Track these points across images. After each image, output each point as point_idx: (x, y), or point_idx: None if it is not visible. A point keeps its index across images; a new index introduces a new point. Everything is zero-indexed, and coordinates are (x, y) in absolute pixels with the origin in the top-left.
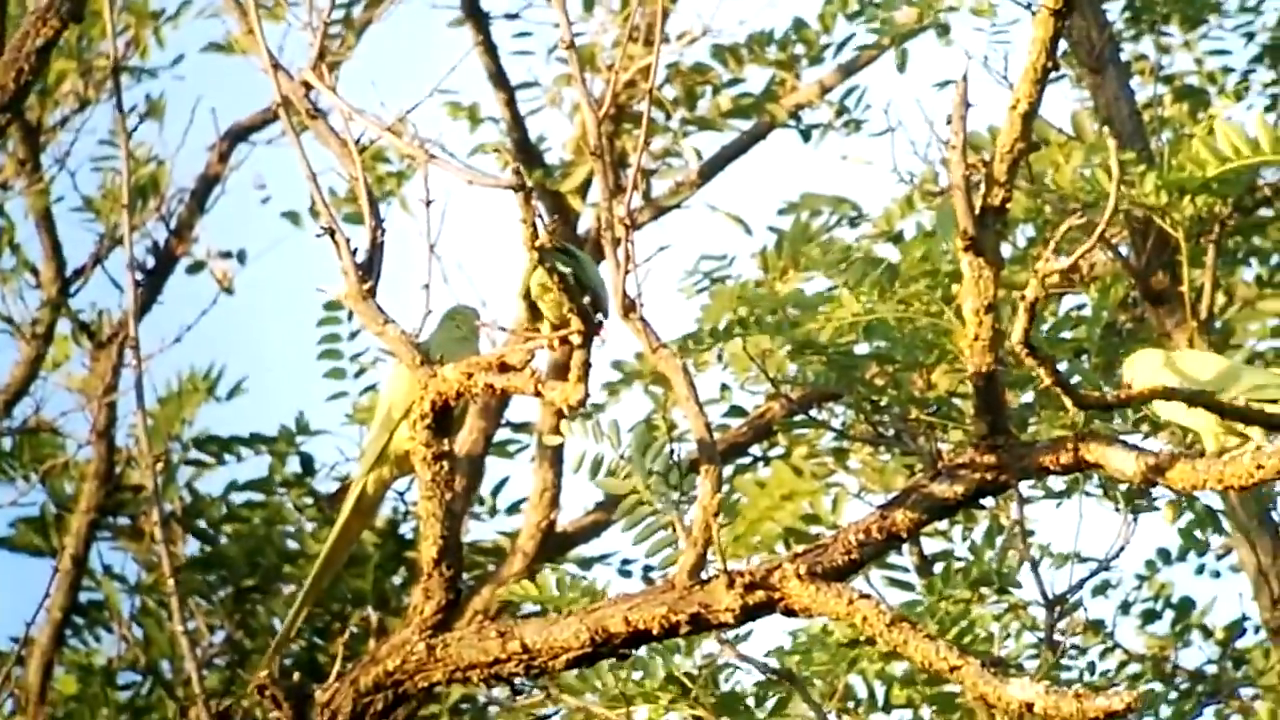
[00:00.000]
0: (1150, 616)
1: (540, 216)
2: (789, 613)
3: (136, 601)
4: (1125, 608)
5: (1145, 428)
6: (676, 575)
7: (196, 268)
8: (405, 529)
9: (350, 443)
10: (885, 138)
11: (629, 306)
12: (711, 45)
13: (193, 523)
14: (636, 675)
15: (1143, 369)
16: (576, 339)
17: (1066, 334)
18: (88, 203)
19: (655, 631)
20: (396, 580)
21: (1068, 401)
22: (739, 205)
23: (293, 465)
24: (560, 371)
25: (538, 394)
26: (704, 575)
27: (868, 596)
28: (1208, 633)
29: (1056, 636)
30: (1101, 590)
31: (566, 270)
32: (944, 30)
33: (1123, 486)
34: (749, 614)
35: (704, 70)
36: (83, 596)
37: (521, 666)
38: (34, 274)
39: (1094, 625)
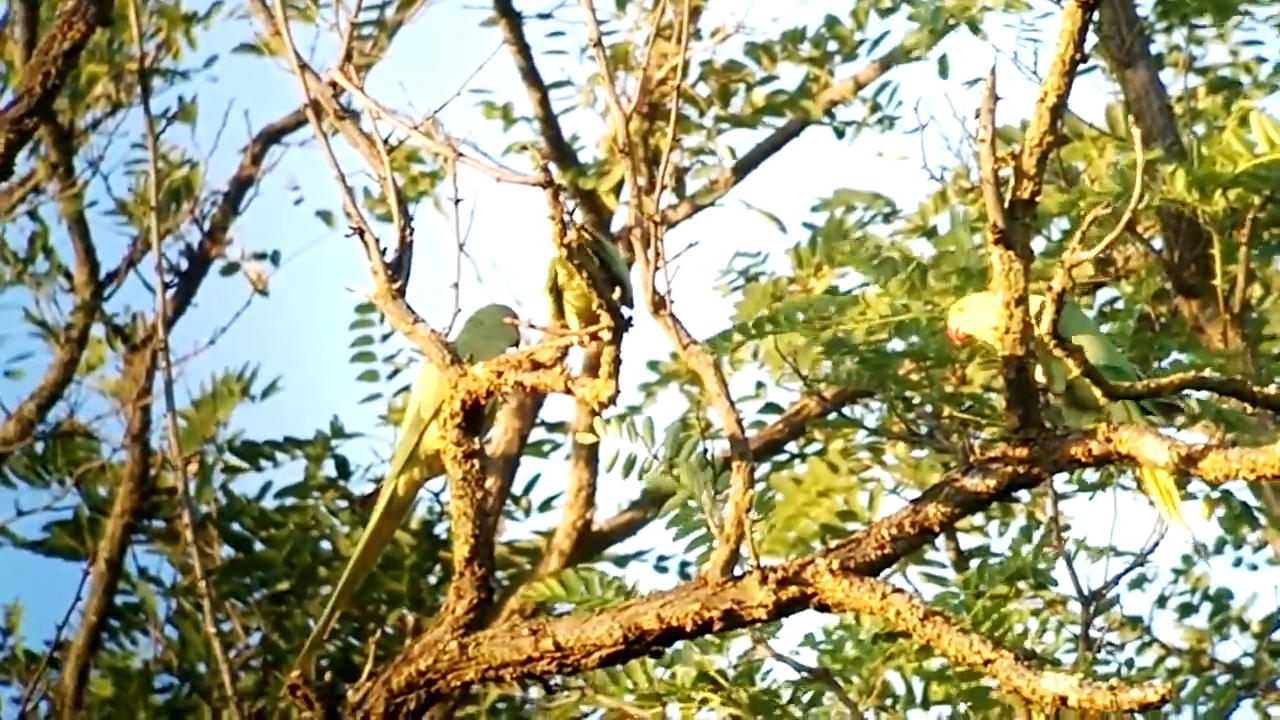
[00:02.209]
0: (1187, 610)
1: (568, 214)
2: (822, 608)
3: (172, 604)
4: (1162, 601)
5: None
6: (709, 571)
7: (230, 269)
8: (440, 529)
9: (385, 445)
10: (918, 133)
11: (659, 303)
12: (745, 43)
13: (228, 526)
14: (668, 673)
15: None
16: (606, 335)
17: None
18: (121, 206)
19: (688, 629)
20: (432, 580)
21: (1097, 392)
22: (774, 202)
23: (328, 469)
24: (593, 369)
25: (568, 391)
26: (737, 571)
27: (901, 591)
28: (1245, 625)
29: (1093, 632)
30: (1138, 584)
31: (595, 266)
32: (975, 26)
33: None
34: (782, 610)
35: (737, 68)
36: (118, 600)
37: (554, 665)
38: (68, 278)
39: (1131, 620)
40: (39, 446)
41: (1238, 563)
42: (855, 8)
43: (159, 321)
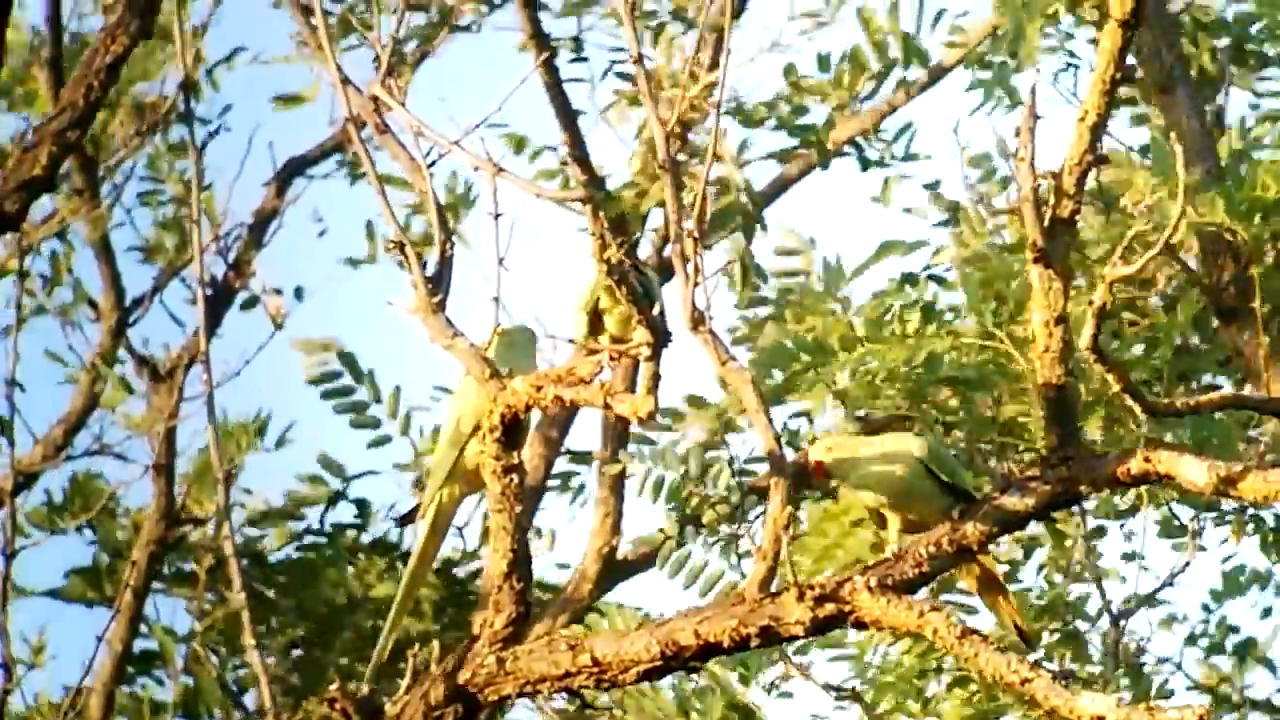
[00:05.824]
0: (1214, 648)
1: (608, 230)
2: (860, 625)
3: (187, 649)
4: (1192, 639)
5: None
6: (746, 588)
7: (250, 303)
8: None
9: (395, 484)
10: (937, 165)
11: (698, 320)
12: (784, 67)
13: (248, 566)
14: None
15: None
16: (646, 351)
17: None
18: (151, 249)
19: (726, 644)
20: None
21: (1137, 409)
22: (799, 224)
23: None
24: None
25: (607, 406)
26: (774, 588)
27: (939, 609)
28: (1272, 668)
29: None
30: (1168, 624)
31: (634, 283)
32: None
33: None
34: (819, 627)
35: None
36: (138, 646)
37: (592, 680)
38: (92, 306)
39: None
40: (56, 495)
41: (1267, 612)
42: (871, 36)
43: (201, 329)
